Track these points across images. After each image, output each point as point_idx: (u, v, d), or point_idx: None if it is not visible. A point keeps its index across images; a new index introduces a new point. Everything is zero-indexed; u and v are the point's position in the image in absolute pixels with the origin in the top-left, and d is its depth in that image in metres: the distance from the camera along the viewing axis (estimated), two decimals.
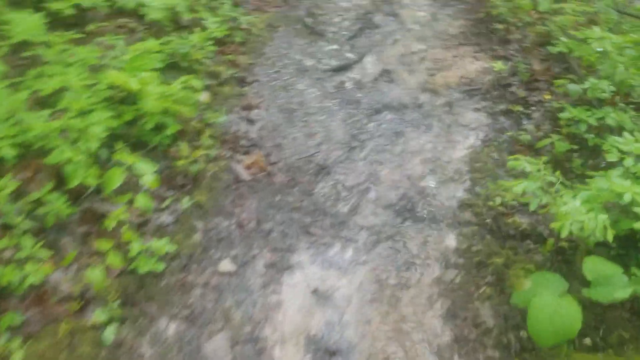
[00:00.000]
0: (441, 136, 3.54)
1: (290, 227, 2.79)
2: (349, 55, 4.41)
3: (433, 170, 3.26)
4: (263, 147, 3.34)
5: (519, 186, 2.25)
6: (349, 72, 4.21)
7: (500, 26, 4.55)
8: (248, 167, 3.14)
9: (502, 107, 3.74)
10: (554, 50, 3.63)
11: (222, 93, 3.63)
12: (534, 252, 2.64)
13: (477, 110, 3.76)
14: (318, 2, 5.14)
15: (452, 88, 4.01)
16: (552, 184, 2.32)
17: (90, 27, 3.35)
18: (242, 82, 3.82)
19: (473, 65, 4.24)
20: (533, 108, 3.67)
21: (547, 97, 3.73)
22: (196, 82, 2.84)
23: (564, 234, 1.97)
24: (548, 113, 3.57)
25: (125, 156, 2.44)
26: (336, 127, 3.59)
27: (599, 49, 2.86)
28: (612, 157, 2.61)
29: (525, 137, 3.38)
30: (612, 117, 2.90)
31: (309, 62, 4.24)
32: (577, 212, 2.01)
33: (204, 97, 3.06)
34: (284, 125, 3.54)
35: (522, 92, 3.82)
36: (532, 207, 2.24)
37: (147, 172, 2.42)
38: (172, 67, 3.41)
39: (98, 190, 2.50)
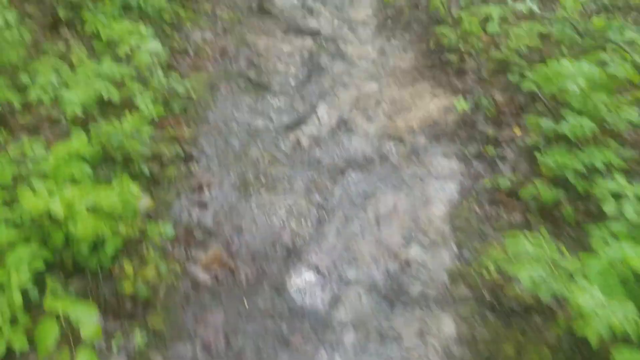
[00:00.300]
0: (414, 192, 3.24)
1: (265, 339, 2.41)
2: (301, 107, 4.08)
3: (413, 237, 2.95)
4: (221, 236, 2.96)
5: (524, 274, 1.94)
6: (304, 127, 3.88)
7: (453, 56, 4.28)
8: (207, 267, 2.75)
9: (473, 149, 3.46)
10: (524, 86, 3.36)
11: (166, 177, 3.22)
12: (544, 329, 2.34)
13: (447, 155, 3.47)
14: (258, 49, 4.79)
15: (416, 132, 3.72)
16: (557, 264, 2.02)
17: (3, 132, 2.91)
18: (187, 159, 3.42)
19: (433, 103, 3.97)
20: (506, 147, 3.40)
21: (517, 132, 3.47)
22: (134, 188, 2.43)
23: (594, 340, 1.67)
24: (523, 152, 3.31)
25: (57, 303, 2.01)
26: (298, 196, 3.24)
27: (573, 88, 2.60)
28: (609, 208, 2.38)
29: (505, 182, 3.10)
30: (599, 158, 2.65)
31: (258, 123, 3.88)
32: (601, 309, 1.71)
33: (144, 202, 2.66)
34: (241, 204, 3.17)
35: (489, 130, 3.55)
36: (544, 298, 1.93)
37: (87, 319, 2.00)
38: (106, 161, 2.99)
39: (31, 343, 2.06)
